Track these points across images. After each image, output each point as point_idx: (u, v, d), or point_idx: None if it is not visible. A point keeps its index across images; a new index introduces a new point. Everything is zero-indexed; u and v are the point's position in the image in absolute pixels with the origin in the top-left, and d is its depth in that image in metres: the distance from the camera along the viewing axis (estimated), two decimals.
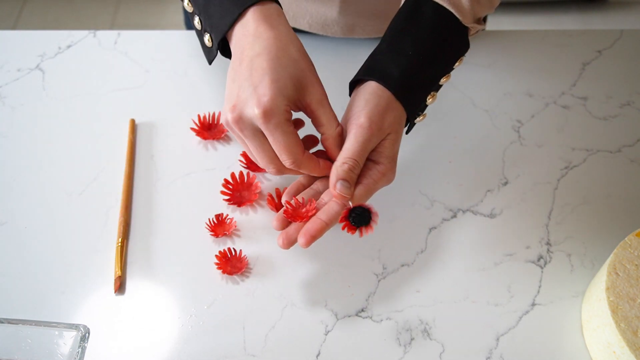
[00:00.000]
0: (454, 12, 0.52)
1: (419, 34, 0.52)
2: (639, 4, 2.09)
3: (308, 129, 0.56)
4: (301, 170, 0.50)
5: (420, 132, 0.67)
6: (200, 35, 0.55)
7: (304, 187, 0.55)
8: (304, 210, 0.51)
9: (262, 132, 0.48)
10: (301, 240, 0.49)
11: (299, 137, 0.49)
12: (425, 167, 0.65)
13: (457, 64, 0.56)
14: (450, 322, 0.54)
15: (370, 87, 0.52)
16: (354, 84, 0.55)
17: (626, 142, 0.68)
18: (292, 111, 0.50)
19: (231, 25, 0.51)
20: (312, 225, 0.49)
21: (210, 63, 0.55)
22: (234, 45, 0.51)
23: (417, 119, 0.56)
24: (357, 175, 0.50)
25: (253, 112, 0.47)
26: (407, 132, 0.57)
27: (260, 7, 0.50)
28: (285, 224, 0.52)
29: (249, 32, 0.50)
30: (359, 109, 0.51)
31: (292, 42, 0.50)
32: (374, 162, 0.52)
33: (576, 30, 0.79)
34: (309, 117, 0.52)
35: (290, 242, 0.51)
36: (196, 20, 0.55)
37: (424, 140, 0.67)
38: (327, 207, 0.51)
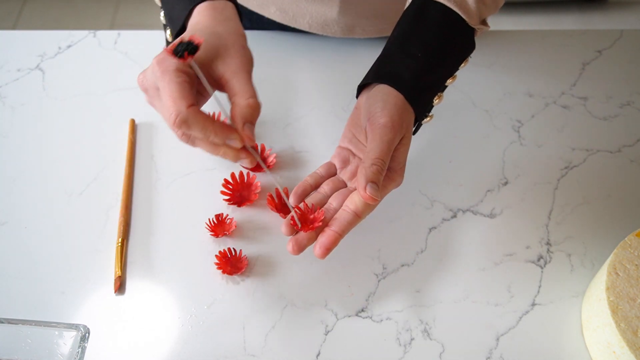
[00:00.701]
0: (461, 14, 0.52)
1: (427, 36, 0.52)
2: (639, 4, 2.09)
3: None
4: (192, 129, 0.44)
5: (420, 132, 0.67)
6: (165, 29, 0.55)
7: (311, 187, 0.54)
8: (311, 217, 0.51)
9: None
10: (317, 252, 0.49)
11: (189, 90, 0.44)
12: (425, 167, 0.65)
13: (462, 64, 0.56)
14: (450, 322, 0.54)
15: (386, 89, 0.51)
16: (362, 87, 0.55)
17: (626, 142, 0.68)
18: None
19: (185, 19, 0.51)
20: (326, 238, 0.49)
21: None
22: None
23: (424, 120, 0.56)
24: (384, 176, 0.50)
25: (151, 64, 0.45)
26: (414, 133, 0.57)
27: (211, 2, 0.50)
28: (294, 229, 0.51)
29: (192, 23, 0.50)
30: (378, 110, 0.50)
31: (223, 24, 0.48)
32: (387, 169, 0.51)
33: (576, 30, 0.79)
34: (224, 89, 0.48)
35: (300, 248, 0.50)
36: (162, 14, 0.55)
37: (424, 140, 0.67)
38: (338, 218, 0.50)
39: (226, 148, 0.46)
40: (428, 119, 0.56)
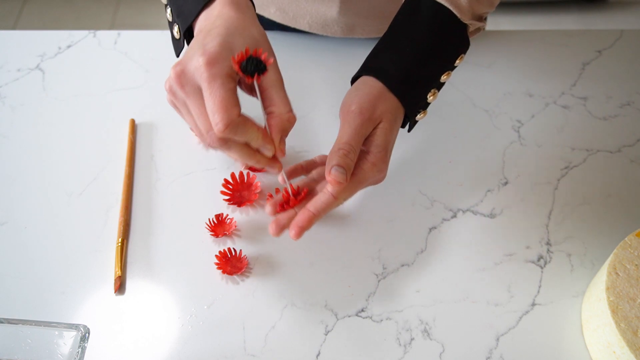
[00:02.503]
0: (452, 9, 0.52)
1: (416, 31, 0.53)
2: (639, 4, 2.09)
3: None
4: (239, 136, 0.44)
5: (420, 131, 0.67)
6: (171, 27, 0.54)
7: (302, 169, 0.55)
8: (297, 198, 0.52)
9: (202, 91, 0.44)
10: (291, 233, 0.49)
11: (237, 99, 0.44)
12: (425, 167, 0.65)
13: (457, 61, 0.56)
14: (450, 322, 0.54)
15: (363, 79, 0.52)
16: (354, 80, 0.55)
17: (626, 142, 0.68)
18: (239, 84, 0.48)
19: (198, 13, 0.49)
20: (301, 217, 0.49)
21: (177, 56, 0.53)
22: (196, 30, 0.49)
23: (418, 116, 0.56)
24: (354, 162, 0.50)
25: (197, 62, 0.43)
26: (409, 130, 0.57)
27: None
28: (278, 209, 0.52)
29: (213, 15, 0.48)
30: (349, 99, 0.51)
31: (255, 25, 0.48)
32: (365, 152, 0.52)
33: (576, 30, 0.79)
34: (260, 97, 0.47)
35: (280, 228, 0.50)
36: (168, 11, 0.54)
37: (424, 140, 0.67)
38: (315, 198, 0.50)
39: (260, 156, 0.47)
40: (422, 115, 0.56)
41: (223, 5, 0.48)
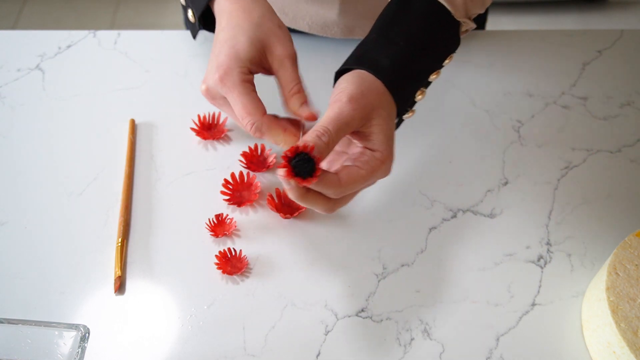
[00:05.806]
0: (446, 5, 0.52)
1: (410, 25, 0.52)
2: (639, 4, 2.09)
3: None
4: (266, 135, 0.50)
5: (420, 132, 0.67)
6: (184, 10, 0.59)
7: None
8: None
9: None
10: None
11: (258, 99, 0.50)
12: (425, 167, 0.65)
13: (446, 61, 0.55)
14: (450, 322, 0.54)
15: (357, 73, 0.49)
16: (340, 74, 0.52)
17: (626, 142, 0.68)
18: (260, 73, 0.53)
19: (207, 4, 0.54)
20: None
21: (194, 38, 0.59)
22: (216, 12, 0.55)
23: (406, 115, 0.54)
24: (328, 145, 0.45)
25: (214, 78, 0.50)
26: (395, 129, 0.56)
27: None
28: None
29: (221, 9, 0.53)
30: (339, 90, 0.48)
31: (255, 8, 0.52)
32: (371, 150, 0.48)
33: (576, 30, 0.79)
34: (275, 75, 0.53)
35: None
36: None
37: (424, 140, 0.67)
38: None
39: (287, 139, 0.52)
40: (409, 114, 0.55)
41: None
